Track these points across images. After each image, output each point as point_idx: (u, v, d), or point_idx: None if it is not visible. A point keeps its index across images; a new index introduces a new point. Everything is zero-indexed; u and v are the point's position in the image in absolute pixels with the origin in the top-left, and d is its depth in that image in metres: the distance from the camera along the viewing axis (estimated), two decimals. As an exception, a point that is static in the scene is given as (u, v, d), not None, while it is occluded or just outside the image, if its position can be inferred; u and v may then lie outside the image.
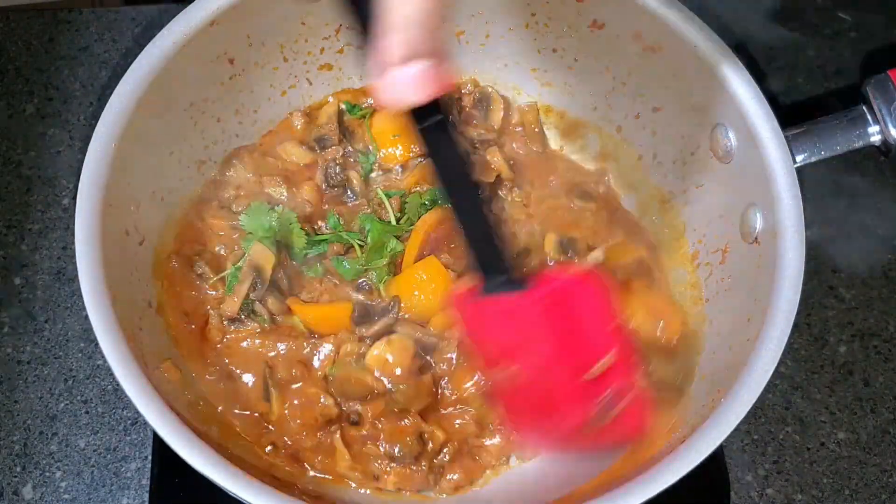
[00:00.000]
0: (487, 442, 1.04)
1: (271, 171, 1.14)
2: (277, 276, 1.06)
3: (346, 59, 1.19)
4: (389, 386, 1.01)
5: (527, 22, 1.16)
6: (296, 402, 1.02)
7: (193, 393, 1.00)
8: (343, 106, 1.19)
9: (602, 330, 0.91)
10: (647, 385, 0.95)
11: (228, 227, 1.09)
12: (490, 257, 0.86)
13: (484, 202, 0.85)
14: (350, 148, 1.16)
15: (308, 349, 1.04)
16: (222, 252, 1.09)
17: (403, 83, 0.67)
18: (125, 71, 0.97)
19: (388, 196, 1.12)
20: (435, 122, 0.76)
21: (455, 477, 1.02)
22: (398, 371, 1.00)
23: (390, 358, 1.00)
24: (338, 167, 1.13)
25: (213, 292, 1.06)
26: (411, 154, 1.15)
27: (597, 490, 0.87)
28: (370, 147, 1.16)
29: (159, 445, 1.07)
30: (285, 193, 1.11)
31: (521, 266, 1.08)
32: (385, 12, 0.64)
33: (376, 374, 1.01)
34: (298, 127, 1.18)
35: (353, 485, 1.01)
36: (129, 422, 1.11)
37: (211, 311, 1.05)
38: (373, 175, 1.16)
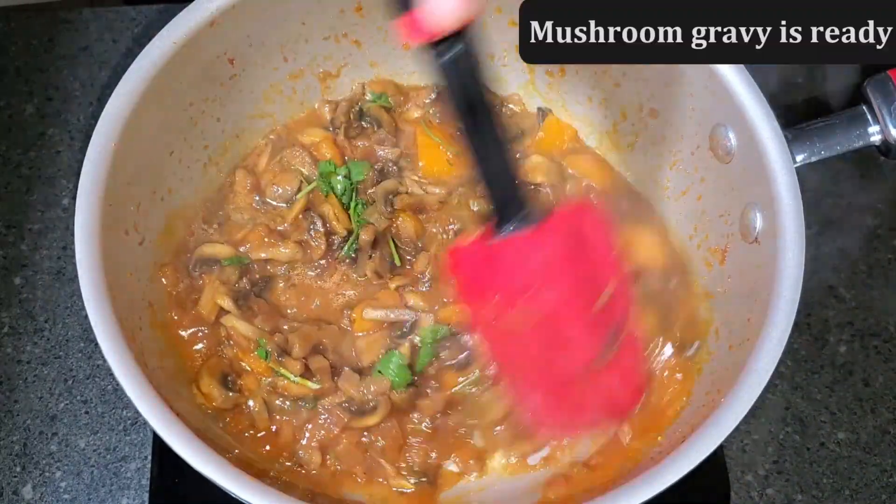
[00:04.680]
0: None
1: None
2: None
3: (346, 59, 1.20)
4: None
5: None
6: None
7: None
8: (368, 96, 1.21)
9: (605, 259, 0.90)
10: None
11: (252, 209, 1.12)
12: (508, 193, 0.83)
13: (505, 137, 0.80)
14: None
15: None
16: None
17: (447, 4, 0.67)
18: (125, 71, 0.97)
19: None
20: (457, 53, 0.72)
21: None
22: None
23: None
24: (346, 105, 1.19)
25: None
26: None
27: (597, 490, 0.87)
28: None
29: (159, 445, 1.07)
30: (308, 159, 1.13)
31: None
32: None
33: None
34: (326, 115, 1.20)
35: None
36: (129, 422, 1.11)
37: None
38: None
